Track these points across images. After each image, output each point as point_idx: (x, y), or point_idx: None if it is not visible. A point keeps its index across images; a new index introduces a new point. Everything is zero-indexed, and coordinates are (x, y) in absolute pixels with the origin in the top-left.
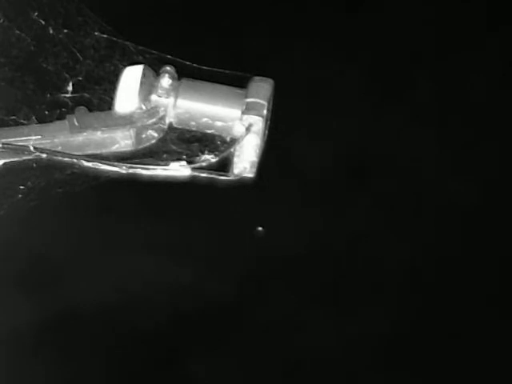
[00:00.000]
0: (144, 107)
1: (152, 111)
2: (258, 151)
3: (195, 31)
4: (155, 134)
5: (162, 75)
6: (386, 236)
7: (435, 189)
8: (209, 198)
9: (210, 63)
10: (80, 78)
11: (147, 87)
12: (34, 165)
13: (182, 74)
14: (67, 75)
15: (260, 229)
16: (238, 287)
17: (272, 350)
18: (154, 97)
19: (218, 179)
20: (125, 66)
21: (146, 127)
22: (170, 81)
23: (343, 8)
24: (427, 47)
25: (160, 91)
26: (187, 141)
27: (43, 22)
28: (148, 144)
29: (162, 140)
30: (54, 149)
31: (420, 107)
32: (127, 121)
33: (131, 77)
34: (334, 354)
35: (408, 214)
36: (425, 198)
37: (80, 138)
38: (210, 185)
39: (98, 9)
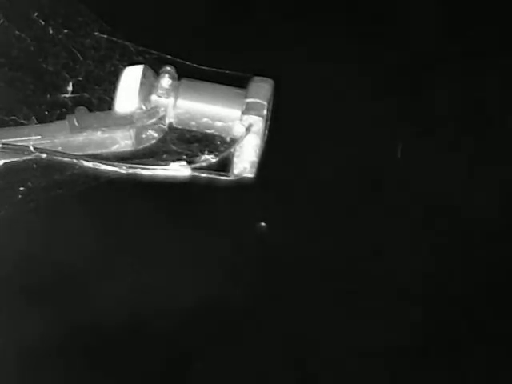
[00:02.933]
0: (144, 107)
1: (152, 111)
2: (258, 151)
3: (195, 31)
4: (155, 134)
5: (161, 75)
6: (397, 243)
7: (446, 200)
8: (212, 199)
9: (211, 63)
10: (80, 78)
11: (147, 87)
12: (34, 165)
13: (181, 74)
14: (67, 75)
15: (263, 224)
16: (245, 290)
17: (284, 353)
18: (154, 97)
19: (218, 179)
20: (125, 66)
21: (146, 127)
22: (170, 81)
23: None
24: (444, 56)
25: (160, 91)
26: (187, 141)
27: (43, 22)
28: (148, 144)
29: (162, 140)
30: (54, 149)
31: (436, 118)
32: (127, 121)
33: (131, 77)
34: (346, 359)
35: (418, 221)
36: (434, 209)
37: (80, 138)
38: (209, 185)
39: (98, 9)
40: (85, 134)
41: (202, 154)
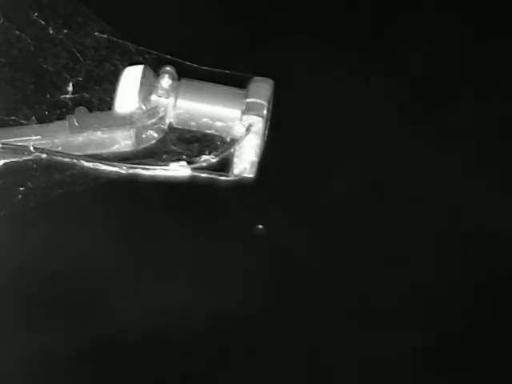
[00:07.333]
0: (144, 107)
1: (152, 111)
2: (257, 151)
3: (195, 31)
4: (155, 135)
5: (161, 75)
6: (398, 243)
7: (455, 213)
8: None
9: (211, 63)
10: (80, 79)
11: (147, 87)
12: (34, 165)
13: (181, 74)
14: (67, 75)
15: (260, 227)
16: (245, 291)
17: (298, 363)
18: (153, 97)
19: (218, 179)
20: (125, 66)
21: (146, 127)
22: (170, 81)
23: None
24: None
25: (160, 91)
26: (187, 141)
27: (43, 23)
28: (148, 144)
29: (162, 140)
30: (54, 149)
31: (455, 125)
32: (127, 121)
33: (131, 77)
34: (361, 370)
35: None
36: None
37: (80, 138)
38: (210, 185)
39: (98, 9)
40: (85, 134)
41: (202, 154)
